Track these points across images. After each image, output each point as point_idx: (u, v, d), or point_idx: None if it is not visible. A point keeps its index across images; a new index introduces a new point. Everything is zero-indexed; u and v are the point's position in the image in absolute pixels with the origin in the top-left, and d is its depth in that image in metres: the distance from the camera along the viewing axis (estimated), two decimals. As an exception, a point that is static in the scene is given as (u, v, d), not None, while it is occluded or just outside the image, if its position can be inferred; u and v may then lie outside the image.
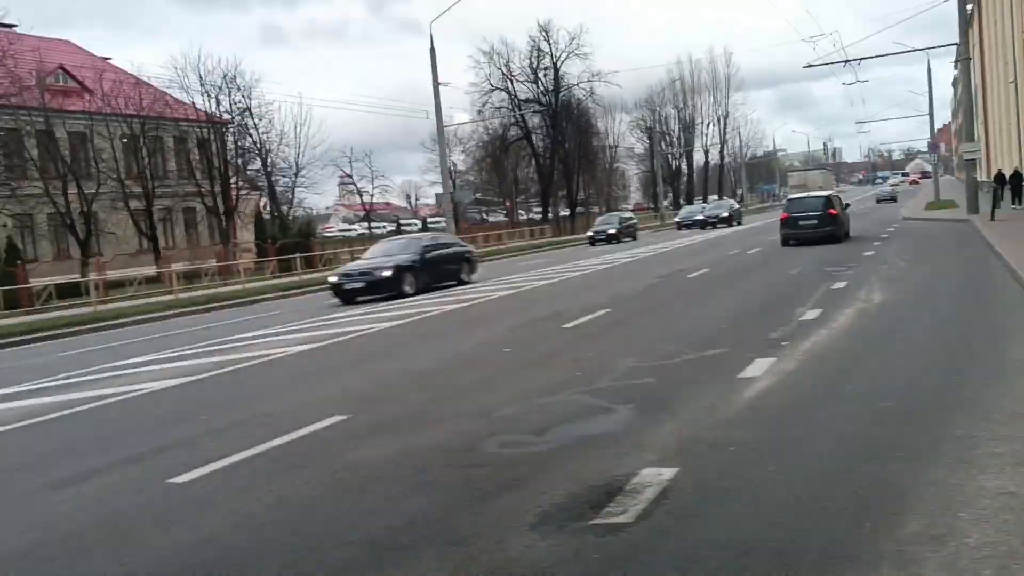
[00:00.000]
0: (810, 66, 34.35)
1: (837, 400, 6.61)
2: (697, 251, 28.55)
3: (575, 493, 4.88)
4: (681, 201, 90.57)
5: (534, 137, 66.84)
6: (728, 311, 12.51)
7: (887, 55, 45.89)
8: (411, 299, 18.89)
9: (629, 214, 53.44)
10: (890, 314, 10.89)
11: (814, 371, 7.76)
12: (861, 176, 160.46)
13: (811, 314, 11.07)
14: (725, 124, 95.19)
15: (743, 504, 4.54)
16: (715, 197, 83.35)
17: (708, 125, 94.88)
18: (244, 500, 5.45)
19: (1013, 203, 34.73)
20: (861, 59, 35.33)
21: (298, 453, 6.47)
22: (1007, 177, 38.25)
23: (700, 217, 51.99)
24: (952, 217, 30.43)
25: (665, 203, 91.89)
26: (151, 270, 36.18)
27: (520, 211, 78.31)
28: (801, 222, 25.00)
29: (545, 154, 67.08)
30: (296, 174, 47.20)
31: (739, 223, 51.29)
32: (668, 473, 5.03)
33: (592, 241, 43.15)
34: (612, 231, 43.48)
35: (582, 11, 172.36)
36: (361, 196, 78.45)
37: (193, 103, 42.28)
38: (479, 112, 62.05)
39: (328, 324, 15.54)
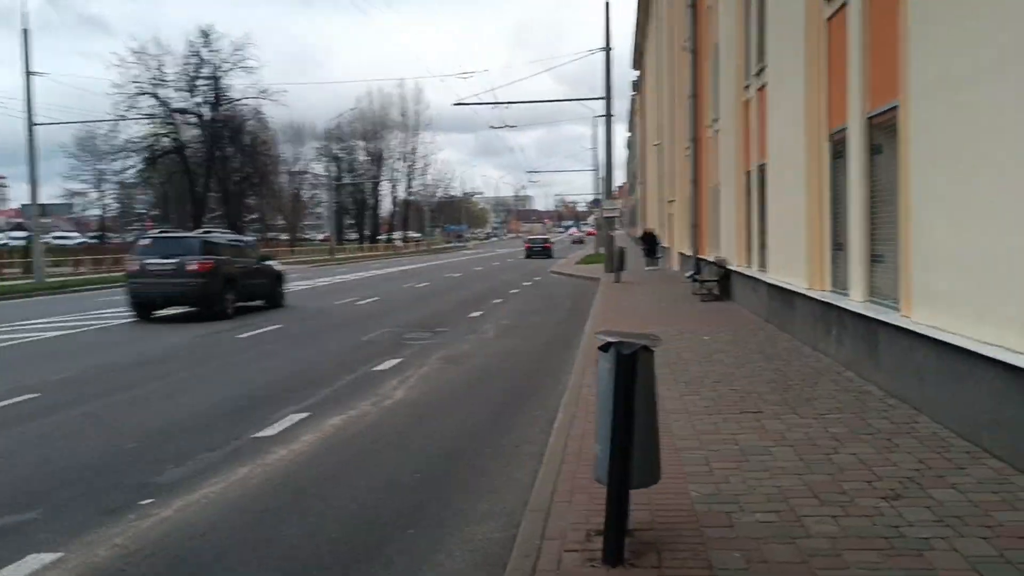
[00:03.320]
0: (459, 104, 32.77)
1: None
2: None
3: None
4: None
5: (188, 151, 58.94)
6: (204, 403, 8.90)
7: (544, 101, 48.58)
8: None
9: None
10: (388, 430, 7.61)
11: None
12: (546, 223, 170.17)
13: (282, 424, 7.88)
14: (413, 161, 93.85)
15: None
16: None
17: (397, 160, 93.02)
18: None
19: (647, 264, 34.94)
20: (509, 103, 34.70)
21: None
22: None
23: None
24: (590, 275, 29.49)
25: (354, 236, 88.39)
26: None
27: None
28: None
29: (199, 171, 59.49)
30: None
31: None
32: None
33: None
34: None
35: (254, 21, 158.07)
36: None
37: None
38: (122, 118, 53.36)
39: None
